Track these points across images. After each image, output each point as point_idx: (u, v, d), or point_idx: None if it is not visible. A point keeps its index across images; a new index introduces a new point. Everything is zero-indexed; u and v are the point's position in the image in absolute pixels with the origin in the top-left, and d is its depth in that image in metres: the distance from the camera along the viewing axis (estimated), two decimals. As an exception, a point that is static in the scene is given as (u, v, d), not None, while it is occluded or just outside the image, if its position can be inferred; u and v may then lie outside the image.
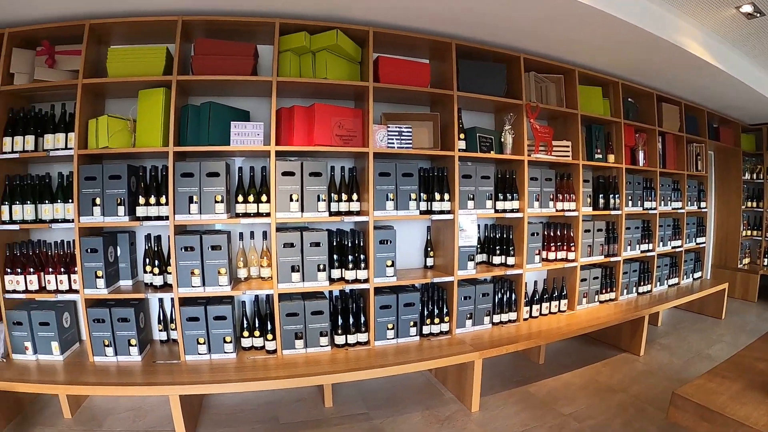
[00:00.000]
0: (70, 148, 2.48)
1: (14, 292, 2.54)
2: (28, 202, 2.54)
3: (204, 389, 2.29)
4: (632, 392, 2.84)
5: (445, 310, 2.91)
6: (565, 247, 3.35)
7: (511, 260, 3.14)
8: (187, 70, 2.64)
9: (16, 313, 2.53)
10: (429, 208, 2.89)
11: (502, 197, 3.06)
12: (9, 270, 2.53)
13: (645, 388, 2.89)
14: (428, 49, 3.00)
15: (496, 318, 3.11)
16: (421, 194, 2.88)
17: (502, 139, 3.11)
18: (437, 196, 2.85)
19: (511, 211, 3.08)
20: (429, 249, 3.16)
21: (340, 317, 2.73)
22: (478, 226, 3.14)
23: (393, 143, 2.74)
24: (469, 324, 2.99)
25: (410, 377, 3.10)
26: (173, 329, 2.81)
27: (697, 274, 4.67)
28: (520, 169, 3.11)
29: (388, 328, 2.77)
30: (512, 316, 3.16)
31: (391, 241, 2.73)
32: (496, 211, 3.06)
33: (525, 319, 3.22)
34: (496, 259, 3.18)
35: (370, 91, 2.66)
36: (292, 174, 2.58)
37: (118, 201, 2.47)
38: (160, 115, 2.49)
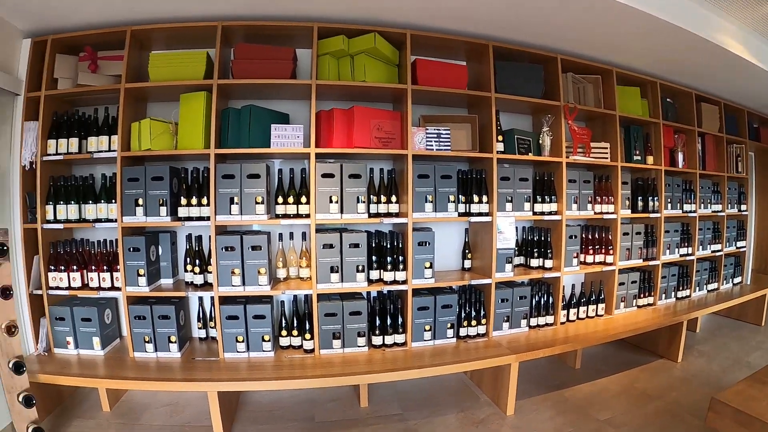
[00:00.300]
0: (114, 150, 2.60)
1: (57, 288, 2.66)
2: (72, 202, 2.66)
3: (242, 386, 2.38)
4: (669, 399, 2.81)
5: (482, 313, 2.93)
6: (603, 251, 3.33)
7: (548, 263, 3.14)
8: (228, 74, 2.72)
9: (59, 309, 2.65)
10: (467, 210, 2.91)
11: (540, 199, 3.06)
12: (53, 267, 2.65)
13: (682, 395, 2.86)
14: (465, 50, 3.03)
15: (533, 321, 3.11)
16: (460, 196, 2.90)
17: (540, 141, 3.11)
18: (475, 198, 2.87)
19: (549, 213, 3.08)
20: (467, 251, 3.19)
21: (377, 318, 2.77)
22: (516, 228, 3.13)
23: (431, 145, 2.77)
24: (506, 327, 3.01)
25: (446, 379, 3.13)
26: (212, 327, 2.90)
27: (737, 279, 4.58)
28: (558, 171, 3.10)
29: (425, 330, 2.80)
30: (549, 319, 3.15)
31: (429, 243, 2.76)
32: (534, 213, 3.06)
33: (562, 323, 3.22)
34: (534, 262, 3.18)
35: (409, 93, 2.70)
36: (331, 176, 2.63)
37: (161, 201, 2.56)
38: (202, 118, 2.57)
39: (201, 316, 2.93)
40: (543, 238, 3.17)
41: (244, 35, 2.70)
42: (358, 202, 2.68)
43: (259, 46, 2.64)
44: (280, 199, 2.67)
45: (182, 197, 2.60)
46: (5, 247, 2.07)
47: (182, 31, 2.59)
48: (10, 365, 2.07)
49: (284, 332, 2.76)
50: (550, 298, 3.15)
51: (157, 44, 2.79)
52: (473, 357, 2.61)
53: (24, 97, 2.65)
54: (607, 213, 3.32)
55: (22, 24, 2.64)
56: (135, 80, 2.63)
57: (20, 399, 2.08)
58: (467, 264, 3.20)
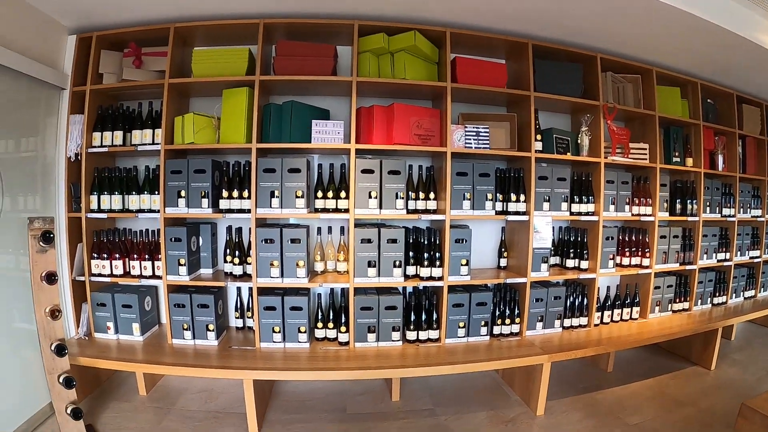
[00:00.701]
0: (157, 144, 2.71)
1: (99, 275, 2.79)
2: (116, 192, 2.78)
3: (277, 375, 2.47)
4: (700, 407, 2.79)
5: (516, 312, 2.97)
6: (639, 253, 3.32)
7: (584, 264, 3.16)
8: (269, 70, 2.81)
9: (101, 295, 2.78)
10: (504, 209, 2.95)
11: (577, 200, 3.08)
12: (95, 255, 2.79)
13: (713, 403, 2.84)
14: (504, 49, 3.06)
15: (567, 322, 3.13)
16: (497, 194, 2.95)
17: (579, 141, 3.12)
18: (513, 196, 2.91)
19: (586, 214, 3.10)
20: (503, 249, 3.23)
21: (412, 313, 2.85)
22: (553, 228, 3.16)
23: (470, 143, 2.81)
24: (540, 327, 3.03)
25: (478, 376, 3.18)
26: (249, 317, 3.01)
27: (776, 287, 4.60)
28: (597, 172, 3.12)
29: (459, 327, 2.85)
30: (583, 320, 3.17)
31: (466, 240, 2.81)
32: (572, 213, 3.08)
33: (596, 325, 3.23)
34: (570, 263, 3.20)
35: (448, 91, 2.75)
36: (371, 172, 2.70)
37: (203, 194, 2.67)
38: (244, 113, 2.66)
39: (239, 306, 3.05)
40: (579, 239, 3.19)
41: (286, 32, 2.79)
42: (396, 198, 2.74)
43: (300, 43, 2.73)
44: (320, 194, 2.75)
45: (224, 190, 2.71)
46: (51, 235, 2.17)
47: (224, 28, 2.69)
48: (53, 347, 2.18)
49: (320, 324, 2.84)
50: (585, 299, 3.16)
51: (199, 40, 2.90)
52: (506, 355, 2.65)
53: (70, 91, 2.79)
54: (645, 215, 3.30)
55: (68, 21, 2.77)
56: (178, 75, 2.75)
57: (61, 380, 2.18)
58: (503, 262, 3.24)
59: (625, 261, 3.34)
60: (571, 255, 3.21)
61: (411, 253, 2.85)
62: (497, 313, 2.95)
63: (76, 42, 2.81)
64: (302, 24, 2.66)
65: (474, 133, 2.83)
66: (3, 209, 2.33)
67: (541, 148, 3.00)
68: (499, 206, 2.94)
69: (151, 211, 2.76)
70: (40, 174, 2.70)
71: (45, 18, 2.66)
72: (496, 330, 2.96)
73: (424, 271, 2.80)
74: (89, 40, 2.79)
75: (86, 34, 2.80)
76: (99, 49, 2.81)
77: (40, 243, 2.15)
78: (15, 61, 2.40)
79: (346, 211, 2.73)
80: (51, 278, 2.17)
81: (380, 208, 2.73)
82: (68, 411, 2.18)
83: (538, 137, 2.99)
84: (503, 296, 2.99)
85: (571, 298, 3.14)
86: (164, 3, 2.57)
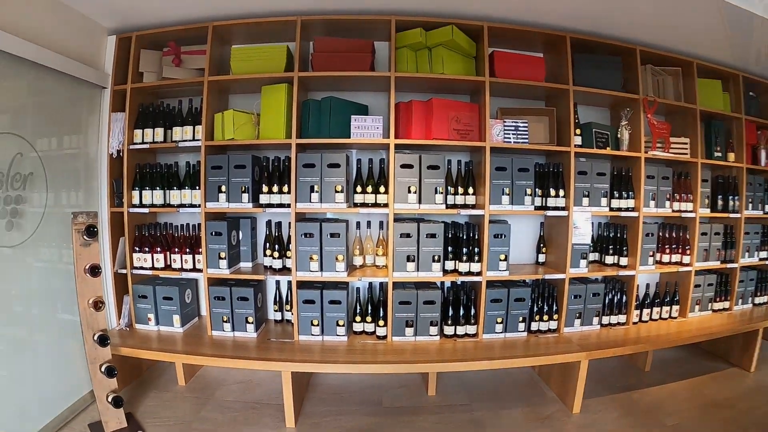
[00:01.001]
0: (198, 140, 2.78)
1: (141, 268, 2.89)
2: (157, 188, 2.87)
3: (315, 368, 2.52)
4: (738, 409, 2.74)
5: (554, 308, 2.97)
6: (680, 250, 3.27)
7: (623, 261, 3.13)
8: (307, 66, 2.87)
9: (142, 288, 2.88)
10: (543, 204, 2.95)
11: (617, 195, 3.05)
12: (137, 248, 2.89)
13: (752, 406, 2.77)
14: (542, 42, 3.06)
15: (605, 319, 3.11)
16: (536, 189, 2.94)
17: (619, 135, 3.10)
18: (552, 192, 2.91)
19: (626, 209, 3.07)
20: (541, 245, 3.23)
21: (450, 308, 2.86)
22: (592, 224, 3.13)
23: (509, 138, 2.84)
24: (578, 323, 3.02)
25: (514, 372, 3.19)
26: (288, 310, 3.09)
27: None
28: (636, 167, 3.09)
29: (497, 322, 2.87)
30: (621, 318, 3.15)
31: (505, 236, 2.83)
32: (611, 209, 3.06)
33: (634, 323, 3.20)
34: (609, 259, 3.18)
35: (487, 85, 2.76)
36: (410, 167, 2.74)
37: (243, 189, 2.74)
38: (283, 109, 2.73)
39: (277, 299, 3.12)
40: (619, 235, 3.16)
41: (323, 29, 2.83)
42: (435, 193, 2.77)
43: (337, 39, 2.78)
44: (359, 189, 2.80)
45: (264, 185, 2.78)
46: (95, 229, 2.25)
47: (262, 25, 2.75)
48: (95, 338, 2.26)
49: (358, 318, 2.90)
50: (624, 296, 3.14)
51: (237, 38, 2.97)
52: (543, 352, 2.66)
53: (111, 90, 2.89)
54: (686, 211, 3.25)
55: (108, 22, 2.86)
56: (217, 73, 2.82)
57: (103, 369, 2.27)
58: (541, 258, 3.24)
59: (665, 258, 3.30)
60: (611, 251, 3.18)
61: (450, 248, 2.87)
62: (535, 309, 2.96)
63: (116, 42, 2.91)
64: (339, 20, 2.71)
65: (513, 128, 2.84)
66: (47, 204, 2.42)
67: (580, 143, 2.98)
68: (537, 201, 2.94)
69: (192, 205, 2.84)
70: (83, 170, 2.80)
71: (86, 20, 2.76)
72: (534, 326, 2.96)
73: (463, 266, 2.83)
74: (129, 41, 2.89)
75: (126, 35, 2.90)
76: (138, 48, 2.91)
77: (84, 237, 2.22)
78: (58, 62, 2.47)
79: (386, 205, 2.77)
80: (95, 271, 2.25)
81: (419, 203, 2.76)
82: (109, 399, 2.27)
83: (578, 132, 2.97)
84: (541, 292, 2.99)
85: (610, 295, 3.12)
86: (202, 2, 2.64)
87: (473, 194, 2.90)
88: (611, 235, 3.22)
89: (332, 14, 2.70)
